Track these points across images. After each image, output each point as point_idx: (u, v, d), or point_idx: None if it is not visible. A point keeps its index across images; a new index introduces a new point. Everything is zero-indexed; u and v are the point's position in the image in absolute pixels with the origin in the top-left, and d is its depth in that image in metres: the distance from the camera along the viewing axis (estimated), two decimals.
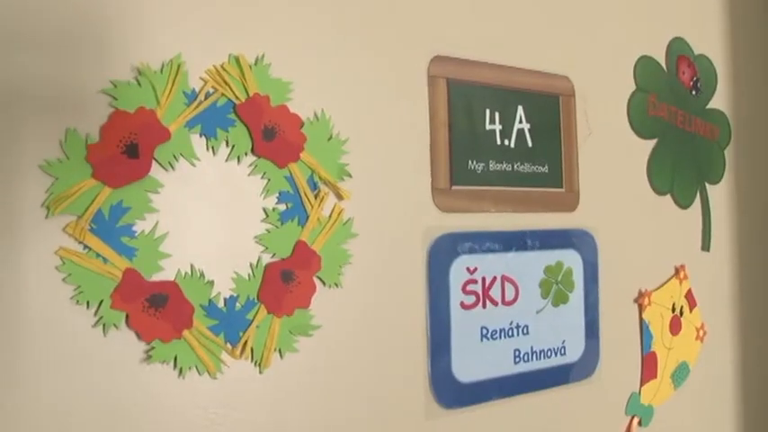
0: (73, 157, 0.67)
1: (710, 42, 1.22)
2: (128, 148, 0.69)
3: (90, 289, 0.67)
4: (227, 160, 0.75)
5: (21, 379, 0.64)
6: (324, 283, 0.80)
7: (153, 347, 0.70)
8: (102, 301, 0.68)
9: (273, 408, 0.78)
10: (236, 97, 0.75)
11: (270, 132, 0.77)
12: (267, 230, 0.77)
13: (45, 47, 0.66)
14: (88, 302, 0.67)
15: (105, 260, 0.68)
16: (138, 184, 0.70)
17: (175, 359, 0.71)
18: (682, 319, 1.17)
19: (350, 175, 0.82)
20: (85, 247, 0.67)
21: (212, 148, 0.74)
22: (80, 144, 0.67)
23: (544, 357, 1.00)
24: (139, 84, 0.70)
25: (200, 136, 0.73)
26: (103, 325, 0.68)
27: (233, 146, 0.75)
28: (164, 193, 0.71)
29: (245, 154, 0.76)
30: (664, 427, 1.14)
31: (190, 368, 0.72)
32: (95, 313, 0.68)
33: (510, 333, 0.96)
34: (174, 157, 0.72)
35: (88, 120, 0.68)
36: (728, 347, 1.26)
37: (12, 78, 0.65)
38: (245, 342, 0.75)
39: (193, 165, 0.73)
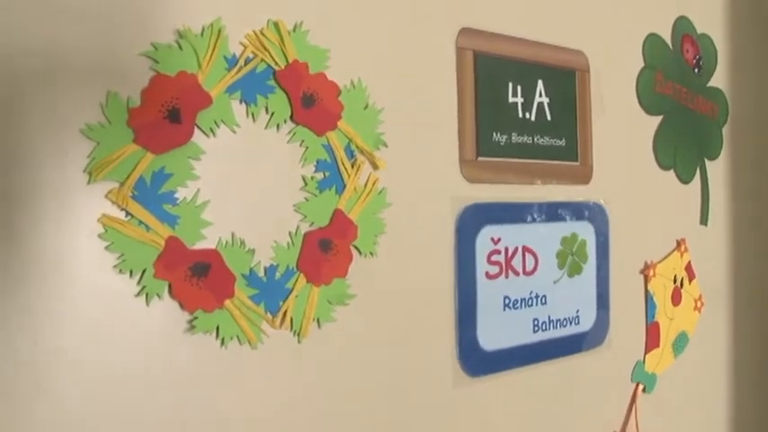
0: (114, 122, 0.62)
1: (712, 22, 1.22)
2: (170, 113, 0.65)
3: (133, 257, 0.63)
4: (266, 127, 0.71)
5: (64, 348, 0.60)
6: (360, 252, 0.78)
7: (196, 317, 0.66)
8: (144, 270, 0.63)
9: (311, 377, 0.75)
10: (276, 63, 0.71)
11: (309, 100, 0.73)
12: (306, 199, 0.73)
13: (86, 8, 0.61)
14: (131, 271, 0.63)
15: (148, 228, 0.64)
16: (180, 150, 0.65)
17: (218, 329, 0.68)
18: (682, 290, 1.17)
19: (386, 145, 0.79)
20: (128, 214, 0.63)
21: (252, 114, 0.70)
22: (121, 108, 0.62)
23: (560, 326, 0.99)
24: (180, 47, 0.65)
25: (240, 102, 0.69)
26: (146, 294, 0.64)
27: (272, 113, 0.71)
28: (205, 160, 0.67)
29: (285, 121, 0.72)
30: (666, 394, 1.15)
31: (231, 338, 0.69)
32: (138, 282, 0.63)
33: (530, 303, 0.95)
34: (216, 123, 0.67)
35: (129, 83, 0.63)
36: (723, 317, 1.28)
37: (52, 40, 0.60)
38: (285, 312, 0.72)
39: (234, 131, 0.69)
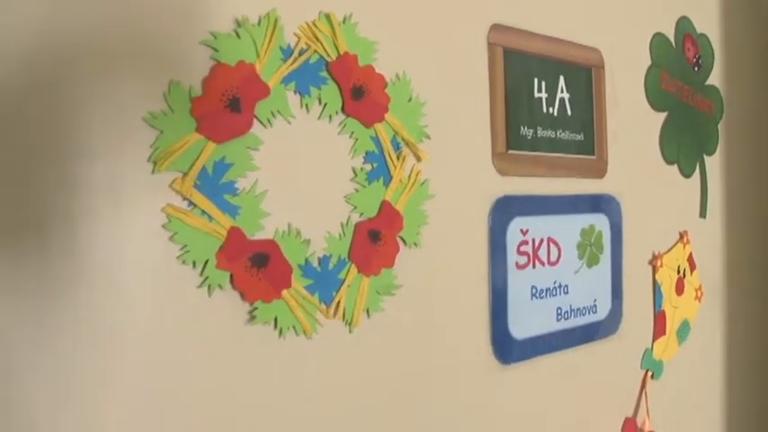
0: (177, 110, 0.60)
1: (708, 22, 1.26)
2: (230, 102, 0.63)
3: (196, 248, 0.61)
4: (318, 118, 0.70)
5: (126, 339, 0.58)
6: (405, 243, 0.77)
7: (256, 308, 0.65)
8: (207, 261, 0.62)
9: (363, 366, 0.74)
10: (328, 55, 0.70)
11: (358, 91, 0.72)
12: (355, 190, 0.73)
13: None
14: (194, 262, 0.62)
15: (210, 218, 0.62)
16: (240, 139, 0.64)
17: (276, 319, 0.67)
18: (684, 280, 1.21)
19: (428, 137, 0.79)
20: (190, 204, 0.61)
21: (306, 105, 0.69)
22: (184, 97, 0.61)
23: (580, 315, 1.01)
24: (239, 36, 0.64)
25: (295, 93, 0.68)
26: (209, 285, 0.62)
27: (325, 104, 0.70)
28: (263, 150, 0.66)
29: (336, 113, 0.71)
30: (672, 380, 1.18)
31: (288, 328, 0.67)
32: (201, 273, 0.62)
33: (554, 292, 0.96)
34: (272, 113, 0.66)
35: (190, 72, 0.62)
36: (719, 306, 1.32)
37: (114, 27, 0.58)
38: (339, 302, 0.71)
39: (289, 122, 0.68)
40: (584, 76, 1.01)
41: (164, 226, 0.60)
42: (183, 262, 0.61)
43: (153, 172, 0.59)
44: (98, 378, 0.56)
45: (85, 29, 0.56)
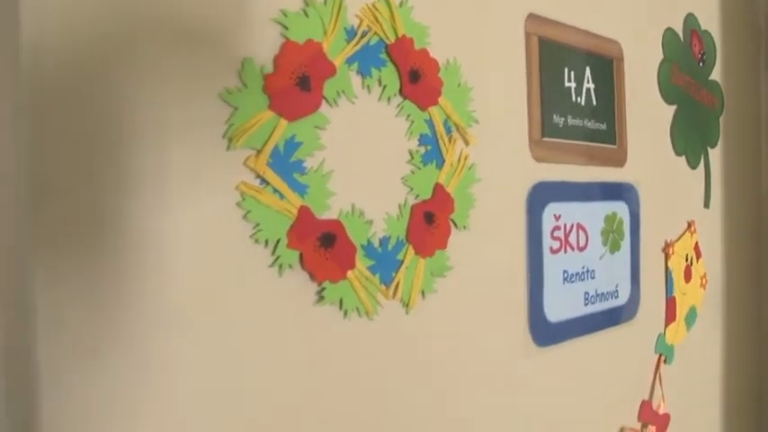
0: (251, 87, 0.59)
1: (710, 19, 1.30)
2: (300, 81, 0.62)
3: (269, 227, 0.60)
4: (378, 100, 0.70)
5: (201, 320, 0.57)
6: (456, 226, 0.77)
7: (324, 288, 0.64)
8: (279, 240, 0.61)
9: (418, 347, 0.74)
10: (387, 37, 0.70)
11: (415, 74, 0.72)
12: (412, 172, 0.73)
13: None
14: (266, 241, 0.60)
15: (282, 196, 0.61)
16: (309, 118, 0.63)
17: (341, 300, 0.66)
18: (692, 268, 1.24)
19: (477, 122, 0.80)
20: (263, 182, 0.60)
21: (367, 86, 0.68)
22: (257, 74, 0.59)
23: (604, 300, 1.02)
24: (307, 15, 0.63)
25: (357, 74, 0.68)
26: (280, 265, 0.61)
27: (384, 86, 0.70)
28: (329, 130, 0.65)
29: (394, 95, 0.71)
30: (682, 364, 1.21)
31: (353, 309, 0.67)
32: (273, 252, 0.61)
33: (582, 277, 0.98)
34: (338, 93, 0.66)
35: (262, 50, 0.60)
36: (720, 293, 1.36)
37: (188, 3, 0.57)
38: (398, 283, 0.71)
39: (353, 102, 0.67)
40: (607, 67, 1.02)
41: (238, 204, 0.58)
42: (256, 241, 0.59)
43: (228, 149, 0.58)
44: (171, 355, 0.55)
45: (159, 5, 0.55)
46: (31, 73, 0.48)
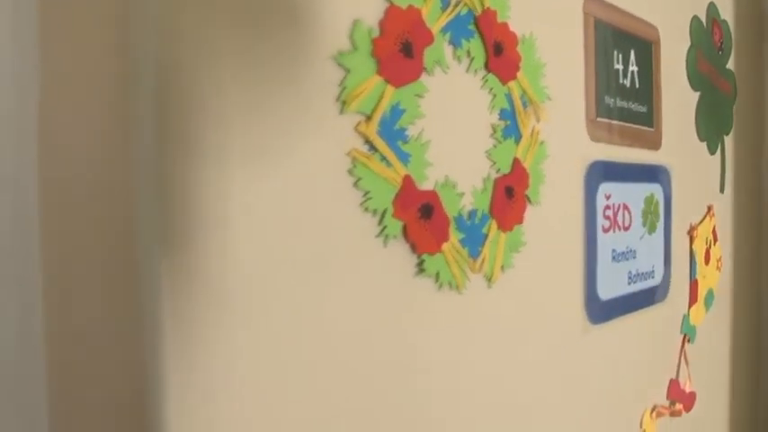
0: (361, 50, 0.57)
1: (726, 8, 1.33)
2: (404, 47, 0.61)
3: (378, 196, 0.58)
4: (466, 71, 0.69)
5: (303, 287, 0.55)
6: (530, 201, 0.77)
7: (423, 260, 0.63)
8: (386, 210, 0.59)
9: (499, 321, 0.73)
10: (475, 8, 0.69)
11: (498, 48, 0.72)
12: (494, 146, 0.72)
13: None
14: (375, 210, 0.59)
15: (389, 165, 0.60)
16: (411, 86, 0.61)
17: (437, 273, 0.65)
18: (710, 251, 1.27)
19: (549, 98, 0.80)
20: (371, 148, 0.59)
21: (458, 57, 0.67)
22: (366, 37, 0.57)
23: (643, 280, 1.04)
24: None
25: (449, 44, 0.67)
26: (386, 235, 0.59)
27: (473, 58, 0.69)
28: (427, 98, 0.64)
29: (480, 67, 0.70)
30: (702, 344, 1.25)
31: (446, 282, 0.66)
32: (379, 222, 0.59)
33: (627, 256, 0.99)
34: (434, 62, 0.64)
35: (367, 13, 0.59)
36: (727, 276, 1.40)
37: None
38: (484, 257, 0.70)
39: (446, 72, 0.66)
40: (647, 50, 1.04)
41: (349, 171, 0.57)
42: (366, 209, 0.58)
43: (341, 112, 0.56)
44: (276, 321, 0.53)
45: None
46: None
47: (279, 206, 0.52)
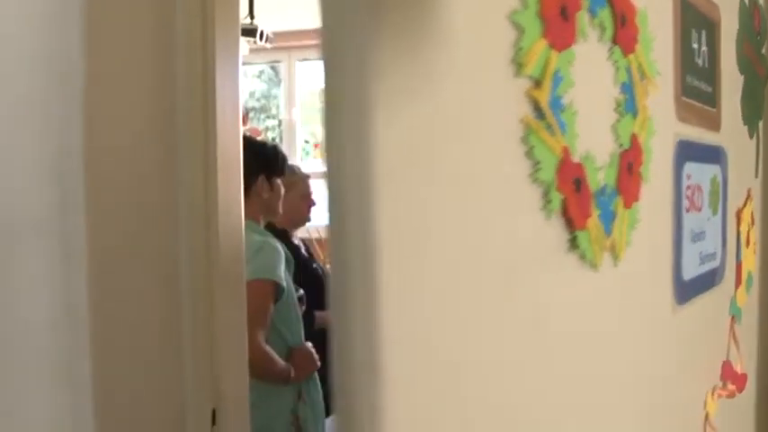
0: (531, 8, 0.54)
1: None
2: (562, 11, 0.58)
3: (545, 167, 0.55)
4: (598, 41, 0.67)
5: (466, 258, 0.52)
6: (642, 178, 0.76)
7: (575, 236, 0.60)
8: (551, 182, 0.57)
9: (623, 300, 0.72)
10: None
11: (623, 19, 0.69)
12: (617, 120, 0.70)
13: None
14: (543, 182, 0.56)
15: (552, 134, 0.57)
16: (567, 52, 0.59)
17: (584, 249, 0.62)
18: (749, 234, 1.30)
19: (659, 73, 0.78)
20: (539, 115, 0.56)
21: (594, 26, 0.65)
22: None
23: (709, 261, 1.05)
24: None
25: (587, 12, 0.64)
26: (549, 210, 0.57)
27: (604, 28, 0.67)
28: (575, 66, 0.61)
29: (608, 39, 0.68)
30: (746, 325, 1.27)
31: (588, 258, 0.64)
32: (544, 195, 0.56)
33: (700, 237, 0.99)
34: (580, 29, 0.62)
35: None
36: (758, 260, 1.43)
37: None
38: (614, 234, 0.68)
39: (585, 41, 0.64)
40: (713, 30, 1.04)
41: (521, 139, 0.54)
42: (534, 180, 0.55)
43: (516, 75, 0.53)
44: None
45: None
46: None
47: (455, 169, 0.49)
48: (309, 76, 3.60)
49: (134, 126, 0.93)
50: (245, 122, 2.60)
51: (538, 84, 0.55)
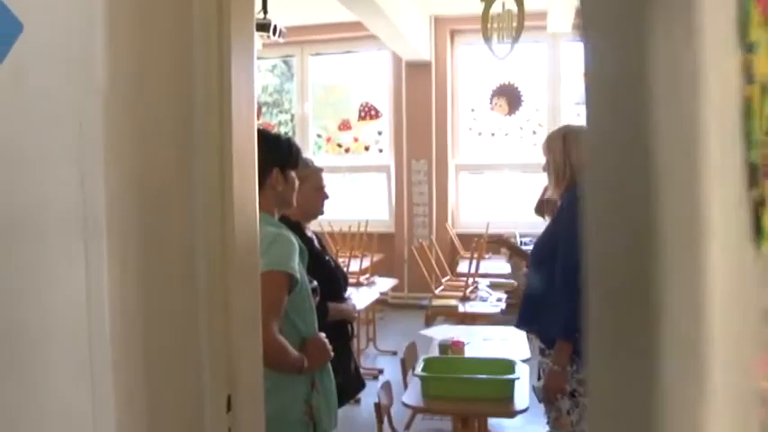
0: None
1: None
2: None
3: (755, 148, 0.53)
4: None
5: None
6: None
7: None
8: (758, 165, 0.53)
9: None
10: None
11: None
12: None
13: None
14: (751, 164, 0.53)
15: None
16: None
17: None
18: None
19: None
20: None
21: None
22: None
23: None
24: None
25: None
26: None
27: None
28: None
29: None
30: None
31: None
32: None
33: None
34: None
35: None
36: None
37: None
38: None
39: None
40: None
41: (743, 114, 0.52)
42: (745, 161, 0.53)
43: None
44: None
45: None
46: None
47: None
48: (322, 70, 3.62)
49: (151, 121, 0.95)
50: (258, 117, 2.63)
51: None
